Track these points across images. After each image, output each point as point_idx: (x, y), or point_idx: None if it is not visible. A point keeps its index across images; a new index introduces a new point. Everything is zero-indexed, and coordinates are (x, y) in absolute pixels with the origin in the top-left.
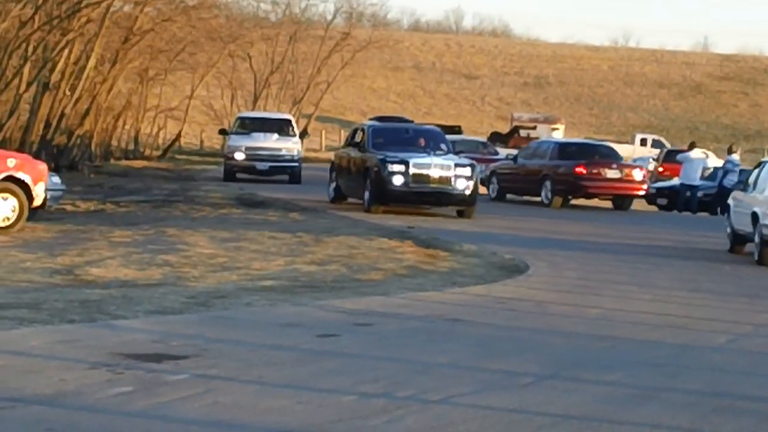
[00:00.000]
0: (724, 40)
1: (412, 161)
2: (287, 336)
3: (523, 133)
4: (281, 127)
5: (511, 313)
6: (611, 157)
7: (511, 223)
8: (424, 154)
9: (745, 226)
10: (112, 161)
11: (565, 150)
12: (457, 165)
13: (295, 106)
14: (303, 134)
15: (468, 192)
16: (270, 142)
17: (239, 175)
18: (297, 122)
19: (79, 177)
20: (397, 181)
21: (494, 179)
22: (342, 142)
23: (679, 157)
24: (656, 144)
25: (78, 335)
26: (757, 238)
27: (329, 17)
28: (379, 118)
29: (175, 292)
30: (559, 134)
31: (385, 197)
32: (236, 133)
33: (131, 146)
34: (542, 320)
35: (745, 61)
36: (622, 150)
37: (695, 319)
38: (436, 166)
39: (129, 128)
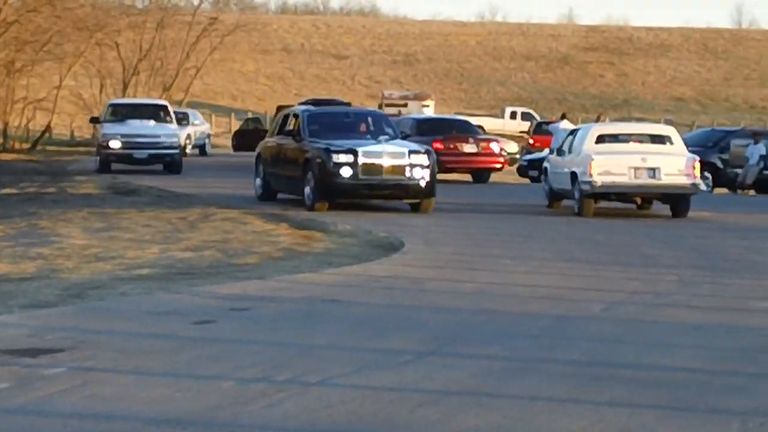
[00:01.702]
0: (589, 12)
1: (361, 150)
2: (164, 324)
3: (394, 110)
4: (157, 113)
5: (388, 291)
6: (468, 132)
7: (381, 201)
8: (372, 141)
9: (563, 184)
10: None
11: (422, 126)
12: (411, 152)
13: (165, 93)
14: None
15: (425, 182)
16: (147, 129)
17: (114, 166)
18: None
19: None
20: (345, 173)
21: None
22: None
23: (549, 127)
24: (526, 116)
25: None
26: (576, 194)
27: (196, 2)
28: (312, 102)
29: (50, 285)
30: (429, 110)
31: (331, 192)
32: (109, 121)
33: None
34: (419, 297)
35: (610, 32)
36: (492, 123)
37: (570, 289)
38: (389, 155)
39: None
